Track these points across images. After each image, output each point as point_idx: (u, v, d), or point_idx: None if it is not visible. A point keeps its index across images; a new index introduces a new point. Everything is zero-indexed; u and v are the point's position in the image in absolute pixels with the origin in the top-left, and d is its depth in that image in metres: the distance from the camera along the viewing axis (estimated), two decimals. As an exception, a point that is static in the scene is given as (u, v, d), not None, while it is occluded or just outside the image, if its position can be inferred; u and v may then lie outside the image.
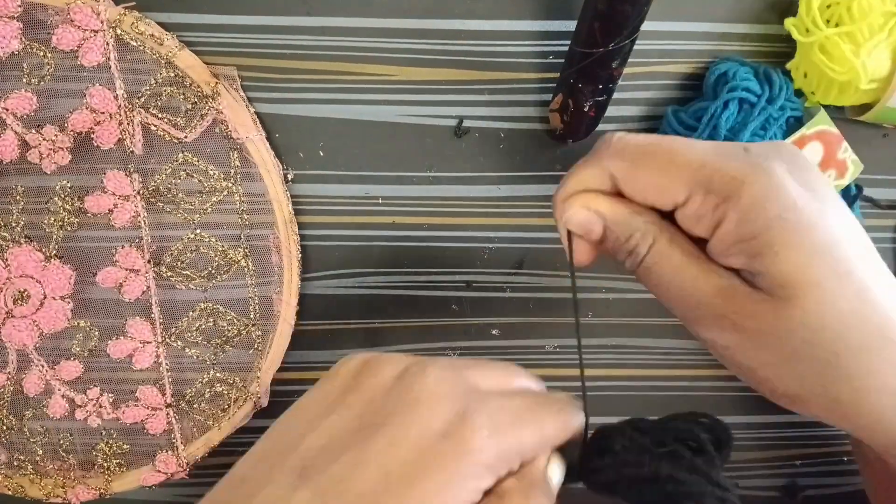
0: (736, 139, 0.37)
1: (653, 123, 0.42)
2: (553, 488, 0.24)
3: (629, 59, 0.37)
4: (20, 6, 0.37)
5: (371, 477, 0.20)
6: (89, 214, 0.41)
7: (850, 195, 0.40)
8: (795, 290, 0.22)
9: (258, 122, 0.40)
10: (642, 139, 0.25)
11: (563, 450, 0.24)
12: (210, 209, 0.41)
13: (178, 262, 0.42)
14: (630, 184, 0.25)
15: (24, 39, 0.37)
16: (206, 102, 0.39)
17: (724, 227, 0.24)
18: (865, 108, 0.39)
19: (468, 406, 0.21)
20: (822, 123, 0.38)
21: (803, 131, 0.38)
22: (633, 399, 0.47)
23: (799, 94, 0.40)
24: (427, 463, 0.20)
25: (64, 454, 0.44)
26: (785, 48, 0.41)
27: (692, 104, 0.40)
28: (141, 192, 0.40)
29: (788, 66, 0.39)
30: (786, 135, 0.38)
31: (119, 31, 0.38)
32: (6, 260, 0.41)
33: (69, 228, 0.41)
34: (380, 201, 0.43)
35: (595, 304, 0.45)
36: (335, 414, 0.22)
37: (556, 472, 0.24)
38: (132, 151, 0.40)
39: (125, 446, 0.44)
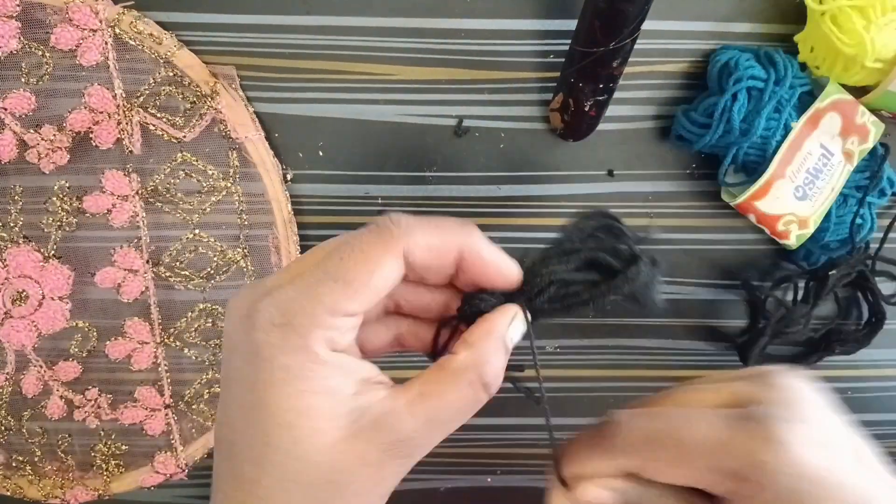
0: (751, 129, 0.37)
1: (653, 123, 0.42)
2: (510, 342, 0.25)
3: (630, 58, 0.37)
4: (19, 5, 0.37)
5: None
6: (88, 214, 0.40)
7: (879, 155, 0.40)
8: None
9: (257, 122, 0.40)
10: (645, 426, 0.24)
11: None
12: (209, 209, 0.41)
13: (177, 263, 0.42)
14: (649, 474, 0.24)
15: (22, 39, 0.37)
16: (205, 102, 0.39)
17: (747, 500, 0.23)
18: (866, 92, 0.39)
19: (252, 310, 0.22)
20: (834, 93, 0.38)
21: (817, 105, 0.38)
22: (633, 400, 0.47)
23: (804, 67, 0.40)
24: (243, 381, 0.22)
25: (62, 455, 0.44)
26: (786, 47, 0.40)
27: (700, 101, 0.39)
28: (139, 191, 0.40)
29: (796, 38, 0.39)
30: (801, 112, 0.38)
31: (118, 31, 0.38)
32: (5, 260, 0.41)
33: (68, 228, 0.41)
34: (380, 201, 0.43)
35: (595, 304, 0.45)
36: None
37: (517, 330, 0.25)
38: (131, 151, 0.39)
39: (124, 447, 0.44)
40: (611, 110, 0.40)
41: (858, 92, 0.39)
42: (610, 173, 0.43)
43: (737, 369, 0.27)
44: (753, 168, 0.39)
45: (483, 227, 0.44)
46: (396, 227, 0.23)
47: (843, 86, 0.39)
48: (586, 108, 0.38)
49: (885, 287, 0.44)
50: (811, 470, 0.22)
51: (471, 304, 0.25)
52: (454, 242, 0.24)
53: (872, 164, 0.40)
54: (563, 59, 0.38)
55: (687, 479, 0.24)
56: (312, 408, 0.21)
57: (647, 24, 0.35)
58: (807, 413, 0.23)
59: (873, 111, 0.39)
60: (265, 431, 0.21)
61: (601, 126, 0.41)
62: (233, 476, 0.22)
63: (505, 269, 0.25)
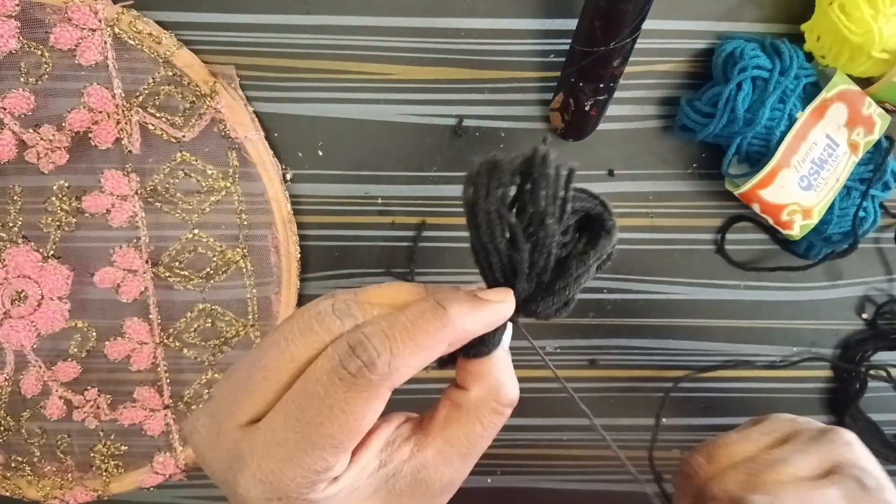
0: (755, 118, 0.37)
1: (653, 123, 0.42)
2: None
3: (630, 58, 0.36)
4: (18, 5, 0.37)
5: None
6: (87, 214, 0.40)
7: (883, 148, 0.40)
8: None
9: (257, 122, 0.40)
10: None
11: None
12: (208, 209, 0.41)
13: (176, 263, 0.41)
14: None
15: (21, 38, 0.37)
16: (205, 101, 0.39)
17: None
18: (870, 83, 0.39)
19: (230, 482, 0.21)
20: (841, 84, 0.38)
21: (823, 95, 0.38)
22: (633, 400, 0.47)
23: (809, 58, 0.40)
24: None
25: (62, 455, 0.44)
26: (791, 39, 0.40)
27: (705, 90, 0.39)
28: (139, 191, 0.40)
29: (803, 27, 0.39)
30: (805, 103, 0.38)
31: (117, 30, 0.37)
32: (4, 260, 0.40)
33: (67, 228, 0.41)
34: (380, 201, 0.42)
35: (596, 304, 0.45)
36: None
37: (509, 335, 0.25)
38: (130, 151, 0.39)
39: (123, 447, 0.44)
40: (611, 110, 0.40)
41: (862, 83, 0.39)
42: (610, 173, 0.43)
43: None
44: (757, 159, 0.39)
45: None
46: (374, 375, 0.20)
47: (848, 76, 0.39)
48: (586, 108, 0.38)
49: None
50: None
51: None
52: (440, 349, 0.22)
53: (877, 156, 0.40)
54: (563, 59, 0.38)
55: None
56: None
57: (648, 24, 0.35)
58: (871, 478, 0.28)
59: (876, 103, 0.39)
60: None
61: (601, 126, 0.41)
62: None
63: (498, 320, 0.24)
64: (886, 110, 0.40)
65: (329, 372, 0.20)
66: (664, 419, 0.47)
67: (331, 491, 0.21)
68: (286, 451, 0.20)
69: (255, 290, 0.42)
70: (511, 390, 0.24)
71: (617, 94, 0.39)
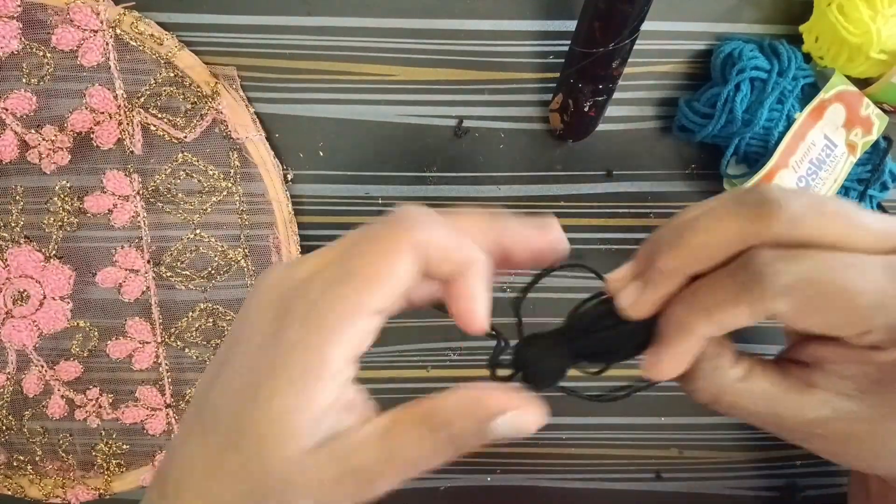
0: (753, 119, 0.38)
1: (652, 123, 0.42)
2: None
3: (629, 59, 0.37)
4: (20, 6, 0.37)
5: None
6: (89, 214, 0.41)
7: (881, 149, 0.40)
8: None
9: (258, 122, 0.40)
10: (817, 275, 0.21)
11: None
12: (210, 209, 0.41)
13: (178, 263, 0.42)
14: (798, 324, 0.22)
15: (23, 39, 0.37)
16: (206, 102, 0.39)
17: (883, 353, 0.22)
18: (868, 84, 0.39)
19: (285, 299, 0.22)
20: (839, 85, 0.38)
21: (821, 96, 0.38)
22: (635, 400, 0.47)
23: (807, 59, 0.40)
24: (263, 364, 0.21)
25: (63, 454, 0.44)
26: (789, 41, 0.40)
27: (703, 91, 0.40)
28: (140, 192, 0.40)
29: (801, 28, 0.39)
30: (803, 104, 0.38)
31: (119, 31, 0.38)
32: (6, 260, 0.41)
33: (69, 228, 0.41)
34: (380, 201, 0.43)
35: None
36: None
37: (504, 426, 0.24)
38: (132, 151, 0.40)
39: (125, 446, 0.44)
40: (610, 110, 0.41)
41: (860, 84, 0.39)
42: (609, 173, 0.43)
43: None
44: (755, 159, 0.40)
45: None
46: (408, 220, 0.22)
47: (847, 77, 0.39)
48: (586, 109, 0.38)
49: None
50: None
51: (524, 364, 0.26)
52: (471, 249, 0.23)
53: (874, 157, 0.41)
54: (562, 60, 0.39)
55: (838, 331, 0.22)
56: (300, 411, 0.21)
57: (647, 25, 0.35)
58: None
59: (874, 104, 0.40)
60: (252, 416, 0.21)
61: (601, 126, 0.41)
62: (202, 437, 0.22)
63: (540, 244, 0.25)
64: (884, 111, 0.40)
65: (374, 223, 0.23)
66: (663, 418, 0.47)
67: (352, 339, 0.22)
68: (330, 277, 0.22)
69: (256, 290, 0.42)
70: (462, 438, 0.23)
71: (616, 95, 0.39)
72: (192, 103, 0.39)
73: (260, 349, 0.22)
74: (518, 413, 0.24)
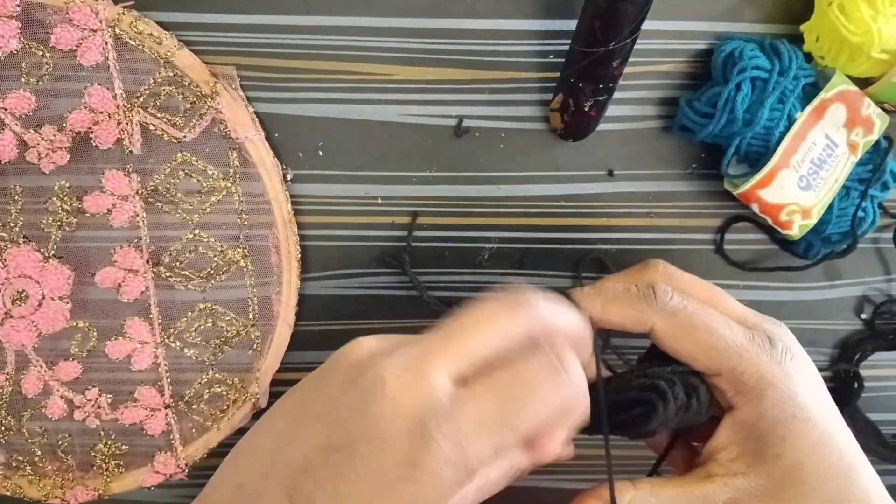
0: (754, 119, 0.38)
1: (653, 123, 0.42)
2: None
3: (630, 59, 0.37)
4: (18, 5, 0.37)
5: None
6: (88, 214, 0.40)
7: (882, 149, 0.40)
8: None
9: (257, 122, 0.40)
10: (690, 309, 0.29)
11: None
12: (209, 209, 0.41)
13: (177, 263, 0.42)
14: (667, 343, 0.29)
15: (22, 39, 0.37)
16: (205, 102, 0.39)
17: (737, 413, 0.28)
18: (869, 84, 0.39)
19: (427, 426, 0.22)
20: (840, 84, 0.38)
21: (822, 96, 0.38)
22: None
23: (808, 58, 0.40)
24: (396, 493, 0.22)
25: (62, 455, 0.44)
26: (790, 40, 0.40)
27: (704, 91, 0.39)
28: (139, 191, 0.40)
29: (802, 27, 0.39)
30: (804, 103, 0.38)
31: (118, 31, 0.38)
32: (4, 260, 0.41)
33: (68, 228, 0.41)
34: (380, 201, 0.43)
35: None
36: (308, 427, 0.25)
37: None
38: (131, 151, 0.39)
39: (124, 447, 0.44)
40: (611, 110, 0.40)
41: (861, 84, 0.39)
42: (610, 173, 0.43)
43: None
44: (756, 159, 0.40)
45: (483, 227, 0.45)
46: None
47: (848, 77, 0.39)
48: (586, 109, 0.38)
49: None
50: (801, 398, 0.28)
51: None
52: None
53: (875, 156, 0.40)
54: (563, 59, 0.38)
55: (700, 365, 0.29)
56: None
57: (647, 24, 0.35)
58: (798, 352, 0.29)
59: (875, 103, 0.40)
60: None
61: (601, 126, 0.41)
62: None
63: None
64: (885, 111, 0.40)
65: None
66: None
67: None
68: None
69: (255, 290, 0.42)
70: None
71: (616, 95, 0.39)
72: (191, 103, 0.39)
73: (396, 470, 0.22)
74: None
